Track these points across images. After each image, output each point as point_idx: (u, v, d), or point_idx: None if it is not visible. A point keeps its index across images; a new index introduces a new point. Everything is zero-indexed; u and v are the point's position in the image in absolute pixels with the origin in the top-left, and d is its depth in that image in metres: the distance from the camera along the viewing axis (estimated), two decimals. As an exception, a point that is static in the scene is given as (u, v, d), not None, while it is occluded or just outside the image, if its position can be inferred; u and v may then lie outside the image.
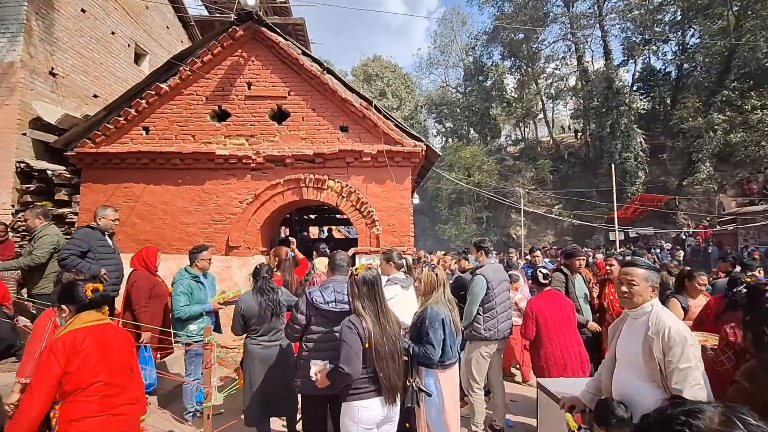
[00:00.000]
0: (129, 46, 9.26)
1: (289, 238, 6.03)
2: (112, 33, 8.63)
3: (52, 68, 7.03)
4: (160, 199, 6.12)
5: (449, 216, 28.23)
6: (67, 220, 6.23)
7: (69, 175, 6.31)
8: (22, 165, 6.18)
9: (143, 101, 6.14)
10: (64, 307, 2.10)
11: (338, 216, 11.86)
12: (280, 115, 6.24)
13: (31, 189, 6.16)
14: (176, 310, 4.01)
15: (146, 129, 6.24)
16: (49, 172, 6.15)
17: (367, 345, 2.34)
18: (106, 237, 4.40)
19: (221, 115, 6.26)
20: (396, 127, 5.96)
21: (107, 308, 2.30)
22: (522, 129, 37.38)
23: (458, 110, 34.93)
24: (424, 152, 5.99)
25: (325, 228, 11.98)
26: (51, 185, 6.28)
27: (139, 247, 5.48)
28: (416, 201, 9.08)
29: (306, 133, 6.08)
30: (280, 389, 3.44)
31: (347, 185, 5.91)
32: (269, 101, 6.15)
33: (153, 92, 6.13)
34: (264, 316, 3.54)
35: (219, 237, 6.00)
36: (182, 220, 6.07)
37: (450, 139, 36.25)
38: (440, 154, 6.41)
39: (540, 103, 34.61)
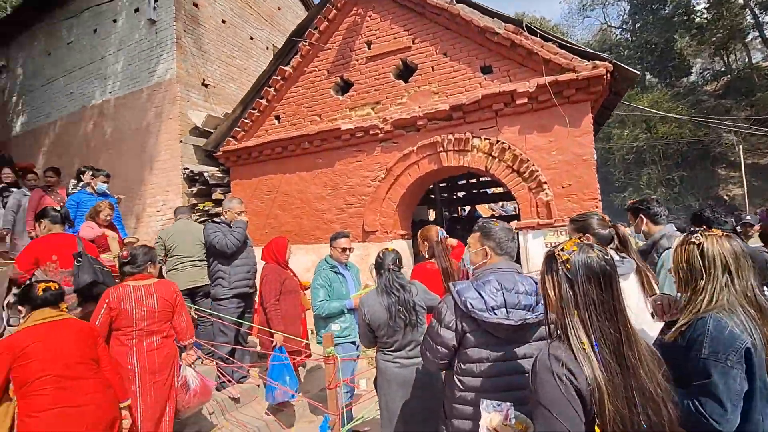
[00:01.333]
0: (267, 48, 9.60)
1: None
2: (251, 38, 8.99)
3: (204, 79, 7.54)
4: (296, 187, 5.82)
5: (626, 181, 23.26)
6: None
7: (221, 175, 6.58)
8: (186, 171, 6.71)
9: (271, 89, 5.92)
10: (20, 308, 2.26)
11: (490, 192, 10.35)
12: (406, 72, 5.21)
13: (194, 192, 6.64)
14: (313, 305, 3.41)
15: (277, 117, 6.02)
16: (205, 174, 6.51)
17: (597, 429, 1.07)
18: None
19: (344, 87, 5.58)
20: (561, 49, 4.26)
21: (65, 305, 2.34)
22: (724, 58, 28.41)
23: (625, 53, 28.55)
24: (608, 75, 4.13)
25: (467, 208, 10.56)
26: (209, 186, 6.67)
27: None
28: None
29: (438, 85, 4.89)
30: (427, 426, 2.40)
31: (498, 141, 4.51)
32: (392, 57, 5.18)
33: (278, 77, 5.85)
34: (395, 326, 2.54)
35: (354, 222, 5.35)
36: (317, 207, 5.64)
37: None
38: (636, 72, 4.40)
39: (750, 17, 25.58)
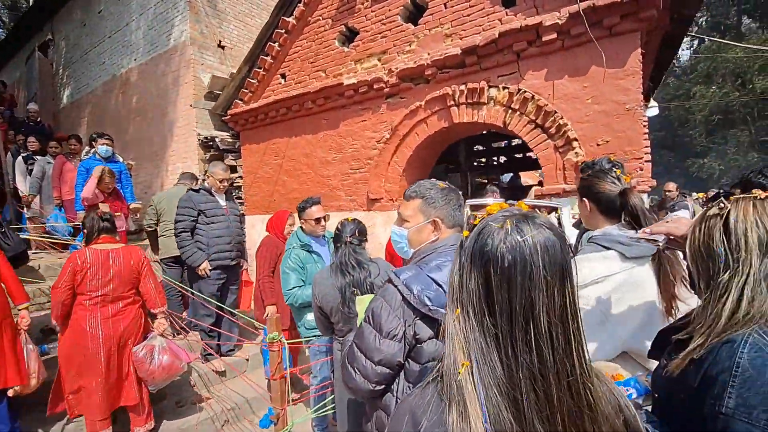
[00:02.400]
0: (291, 6, 9.08)
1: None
2: (272, -5, 8.51)
3: (220, 41, 7.24)
4: (302, 151, 5.41)
5: (708, 146, 20.32)
6: (235, 185, 6.33)
7: (231, 140, 6.35)
8: (200, 137, 6.55)
9: (275, 44, 5.44)
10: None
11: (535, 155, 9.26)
12: (416, 13, 4.46)
13: (207, 158, 6.49)
14: (284, 294, 2.92)
15: (283, 75, 5.57)
16: (216, 139, 6.31)
17: None
18: (217, 197, 3.78)
19: (349, 36, 4.96)
20: (603, -36, 3.30)
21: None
22: None
23: (717, -8, 24.23)
24: (666, -4, 3.14)
25: (508, 175, 9.57)
26: (221, 152, 6.47)
27: (291, 207, 4.94)
28: (653, 112, 5.66)
29: (451, 26, 4.12)
30: None
31: (519, 90, 3.71)
32: (400, -4, 4.45)
33: (281, 30, 5.35)
34: (348, 312, 2.08)
35: (359, 188, 4.86)
36: (323, 172, 5.20)
37: (703, 41, 25.64)
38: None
39: None
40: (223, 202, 3.79)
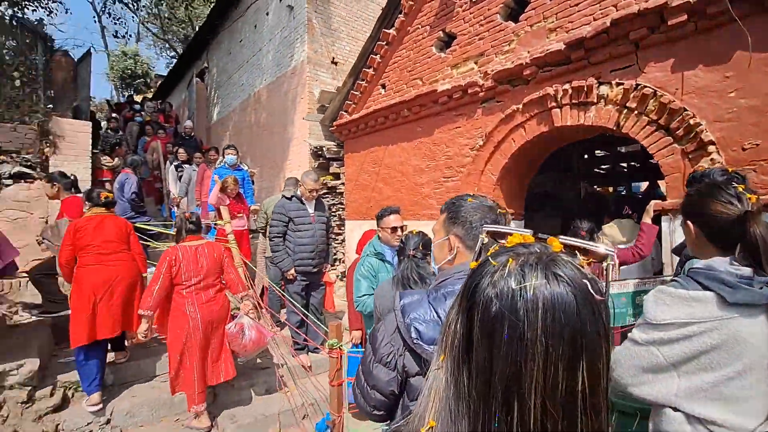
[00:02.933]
0: (401, 18, 9.32)
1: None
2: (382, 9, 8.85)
3: (333, 57, 7.81)
4: (397, 159, 5.47)
5: None
6: (337, 191, 6.72)
7: (336, 149, 6.75)
8: (311, 147, 7.13)
9: (377, 56, 5.63)
10: (86, 202, 3.48)
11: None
12: (517, 9, 4.15)
13: (316, 166, 7.02)
14: (354, 300, 3.00)
15: (383, 86, 5.73)
16: (324, 148, 6.79)
17: None
18: (307, 206, 4.04)
19: (447, 42, 4.85)
20: None
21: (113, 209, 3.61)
22: None
23: None
24: None
25: (642, 184, 8.22)
26: (328, 160, 6.94)
27: (385, 214, 5.08)
28: None
29: (556, 19, 3.71)
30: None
31: (637, 85, 3.15)
32: (499, -6, 4.18)
33: (383, 42, 5.51)
34: None
35: (451, 197, 4.69)
36: (416, 180, 5.18)
37: None
38: None
39: None
40: (311, 210, 4.03)
